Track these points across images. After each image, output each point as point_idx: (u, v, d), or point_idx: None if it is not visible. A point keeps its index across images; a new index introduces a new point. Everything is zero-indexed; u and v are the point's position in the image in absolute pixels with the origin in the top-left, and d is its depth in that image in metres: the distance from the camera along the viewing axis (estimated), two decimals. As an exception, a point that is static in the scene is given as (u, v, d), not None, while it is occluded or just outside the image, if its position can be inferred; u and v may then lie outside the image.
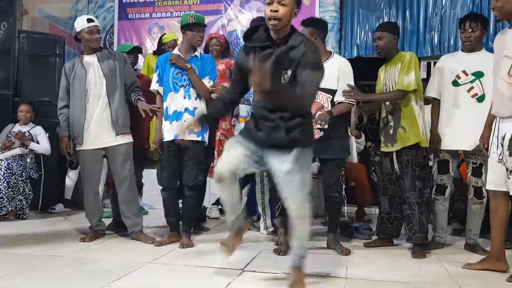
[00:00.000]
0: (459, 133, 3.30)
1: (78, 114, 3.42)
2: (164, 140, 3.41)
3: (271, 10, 2.24)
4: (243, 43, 2.48)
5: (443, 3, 5.12)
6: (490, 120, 2.93)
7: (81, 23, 3.43)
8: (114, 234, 3.75)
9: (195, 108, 3.40)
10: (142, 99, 3.46)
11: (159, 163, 3.54)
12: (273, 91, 2.17)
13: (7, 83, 5.24)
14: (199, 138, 3.40)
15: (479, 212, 3.32)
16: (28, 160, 4.70)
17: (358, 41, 5.36)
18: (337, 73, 3.26)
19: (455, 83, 3.37)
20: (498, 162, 2.71)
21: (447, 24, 5.10)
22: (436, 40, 5.12)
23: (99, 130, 3.42)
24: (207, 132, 3.48)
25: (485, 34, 3.45)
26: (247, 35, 2.43)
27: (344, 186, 3.38)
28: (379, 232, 3.53)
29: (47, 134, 4.85)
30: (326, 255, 3.14)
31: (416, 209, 3.22)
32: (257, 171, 2.54)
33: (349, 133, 3.71)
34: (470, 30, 3.31)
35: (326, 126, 3.15)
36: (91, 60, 3.46)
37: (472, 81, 3.33)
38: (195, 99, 3.42)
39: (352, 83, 3.26)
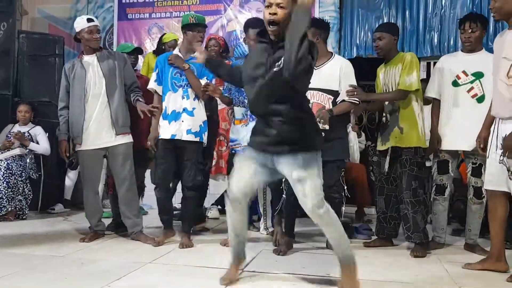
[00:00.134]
0: (459, 133, 3.31)
1: (77, 114, 3.42)
2: (160, 138, 3.41)
3: (270, 13, 2.25)
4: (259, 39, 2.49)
5: (443, 3, 5.13)
6: (489, 120, 2.93)
7: (81, 23, 3.42)
8: (113, 234, 3.75)
9: (193, 109, 3.40)
10: (141, 99, 3.46)
11: (153, 161, 3.54)
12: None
13: (7, 83, 5.24)
14: (197, 139, 3.41)
15: (478, 212, 3.32)
16: (28, 160, 4.70)
17: (357, 41, 5.37)
18: (338, 73, 3.26)
19: (455, 84, 3.38)
20: (499, 163, 2.71)
21: (446, 24, 5.10)
22: (435, 40, 5.13)
23: (99, 130, 3.42)
24: (206, 133, 3.48)
25: (485, 34, 3.46)
26: (259, 34, 2.47)
27: (345, 187, 3.38)
28: (378, 232, 3.54)
29: (47, 134, 4.85)
30: (326, 255, 3.14)
31: (410, 209, 3.24)
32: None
33: (350, 129, 3.70)
34: (470, 31, 3.32)
35: (327, 127, 3.15)
36: (90, 60, 3.46)
37: (472, 82, 3.33)
38: (194, 99, 3.42)
39: (355, 83, 3.26)
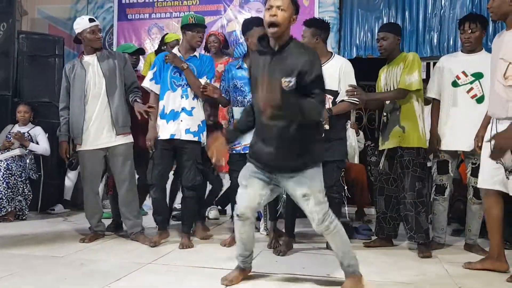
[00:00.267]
0: (458, 133, 3.31)
1: (77, 114, 3.42)
2: (159, 138, 3.41)
3: (270, 15, 2.26)
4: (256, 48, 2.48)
5: (443, 4, 5.13)
6: (487, 120, 2.93)
7: (82, 24, 3.42)
8: (113, 235, 3.75)
9: (192, 108, 3.40)
10: (138, 100, 3.44)
11: (151, 161, 3.54)
12: (287, 103, 2.14)
13: (7, 83, 5.23)
14: (196, 138, 3.41)
15: (478, 212, 3.32)
16: (28, 160, 4.69)
17: (357, 42, 5.36)
18: (338, 73, 3.26)
19: (455, 84, 3.38)
20: (497, 162, 2.71)
21: (446, 24, 5.10)
22: (435, 40, 5.12)
23: (99, 130, 3.42)
24: (204, 133, 3.48)
25: (484, 34, 3.46)
26: (259, 39, 2.44)
27: (345, 187, 3.38)
28: (378, 233, 3.54)
29: (47, 134, 4.85)
30: (326, 256, 3.14)
31: (413, 210, 3.23)
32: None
33: (349, 126, 3.70)
34: (469, 31, 3.32)
35: (327, 127, 3.15)
36: (90, 60, 3.46)
37: (471, 82, 3.33)
38: (193, 99, 3.42)
39: (354, 83, 3.26)
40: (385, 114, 3.43)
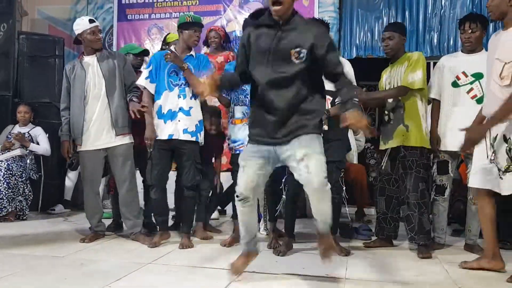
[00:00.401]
0: (458, 134, 3.29)
1: (78, 115, 3.43)
2: (158, 138, 3.40)
3: None
4: (250, 22, 2.51)
5: (443, 4, 5.13)
6: (480, 118, 2.92)
7: (82, 24, 3.42)
8: (114, 235, 3.75)
9: (190, 108, 3.40)
10: (134, 99, 3.44)
11: (149, 161, 3.54)
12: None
13: (7, 84, 5.25)
14: (193, 139, 3.41)
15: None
16: (28, 161, 4.70)
17: (357, 42, 5.36)
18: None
19: (455, 84, 3.37)
20: (491, 162, 2.72)
21: (446, 24, 5.11)
22: (435, 40, 5.13)
23: (99, 131, 3.42)
24: (202, 133, 3.48)
25: (485, 34, 3.45)
26: (253, 15, 2.48)
27: (344, 188, 3.38)
28: (378, 233, 3.53)
29: (47, 135, 4.86)
30: (326, 256, 3.14)
31: (417, 210, 3.23)
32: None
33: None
34: (469, 31, 3.32)
35: (326, 127, 3.15)
36: (90, 60, 3.46)
37: (471, 83, 3.33)
38: (190, 98, 3.42)
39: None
40: (386, 112, 3.42)
